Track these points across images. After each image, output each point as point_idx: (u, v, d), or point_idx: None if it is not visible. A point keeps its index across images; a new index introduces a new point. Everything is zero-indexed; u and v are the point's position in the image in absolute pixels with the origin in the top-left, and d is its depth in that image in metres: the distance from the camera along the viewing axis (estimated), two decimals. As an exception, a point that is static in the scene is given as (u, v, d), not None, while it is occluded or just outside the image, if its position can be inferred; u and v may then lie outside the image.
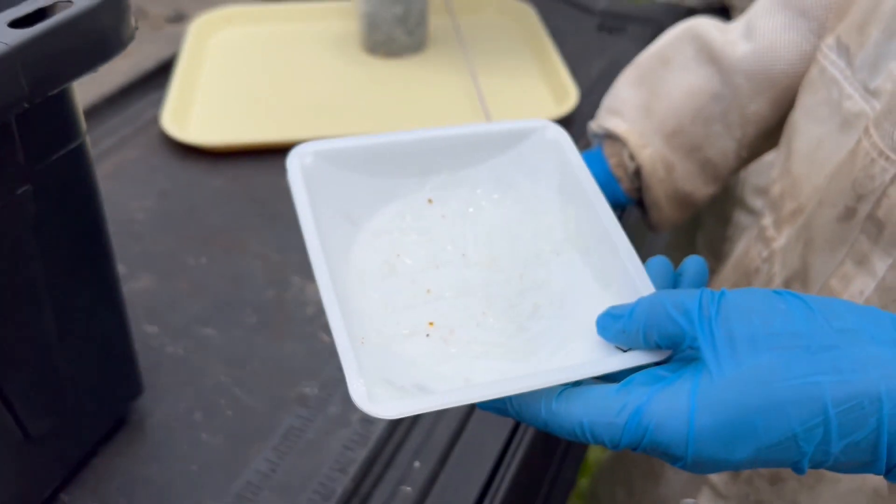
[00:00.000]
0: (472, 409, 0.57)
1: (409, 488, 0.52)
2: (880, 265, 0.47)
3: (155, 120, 0.86)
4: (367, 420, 0.56)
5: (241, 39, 1.02)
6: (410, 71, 0.96)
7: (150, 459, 0.54)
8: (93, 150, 0.81)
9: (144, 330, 0.63)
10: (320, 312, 0.65)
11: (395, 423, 0.56)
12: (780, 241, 0.60)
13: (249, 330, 0.63)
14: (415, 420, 0.57)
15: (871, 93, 0.51)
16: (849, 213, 0.48)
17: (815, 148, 0.56)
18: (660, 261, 0.39)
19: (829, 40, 0.56)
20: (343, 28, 1.03)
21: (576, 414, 0.34)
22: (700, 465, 0.33)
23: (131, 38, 0.39)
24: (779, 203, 0.61)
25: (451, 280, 0.41)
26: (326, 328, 0.63)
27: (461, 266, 0.41)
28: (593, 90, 0.92)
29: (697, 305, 0.33)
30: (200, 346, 0.62)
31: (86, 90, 0.88)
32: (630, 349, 0.36)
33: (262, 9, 1.05)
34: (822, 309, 0.33)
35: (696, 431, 0.32)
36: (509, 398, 0.35)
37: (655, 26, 1.05)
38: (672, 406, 0.32)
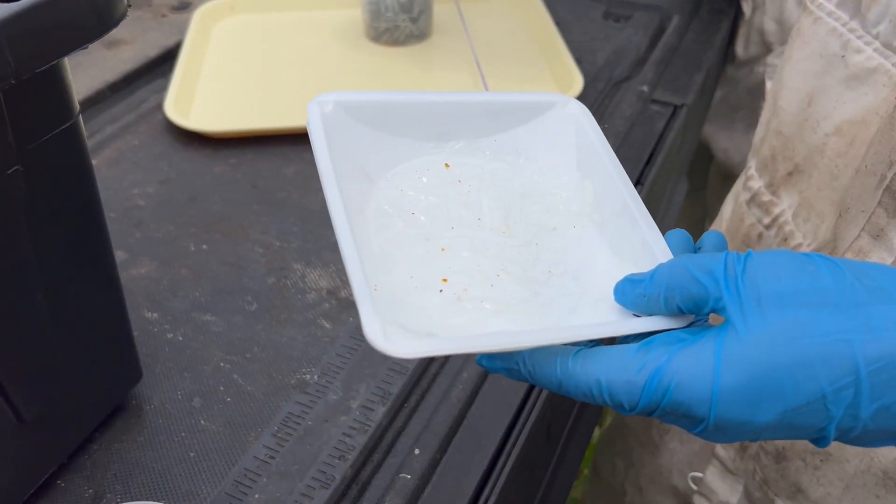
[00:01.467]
0: (472, 395, 0.57)
1: (408, 475, 0.52)
2: None
3: (158, 107, 0.85)
4: (367, 407, 0.55)
5: (244, 27, 1.01)
6: (414, 59, 0.96)
7: (148, 445, 0.53)
8: (96, 137, 0.81)
9: (144, 316, 0.62)
10: (321, 299, 0.64)
11: (395, 411, 0.55)
12: (781, 205, 0.58)
13: (249, 316, 0.63)
14: (415, 406, 0.56)
15: (894, 49, 0.48)
16: (881, 183, 0.47)
17: (805, 104, 0.54)
18: (679, 233, 0.39)
19: None
20: (347, 16, 1.03)
21: (593, 372, 0.33)
22: (722, 429, 0.32)
23: (124, 14, 0.39)
24: (771, 165, 0.59)
25: (465, 241, 0.40)
26: (326, 315, 0.63)
27: (476, 229, 0.41)
28: (599, 78, 0.91)
29: (723, 266, 0.32)
30: (200, 332, 0.61)
31: (90, 77, 0.88)
32: (648, 316, 0.35)
33: (266, -3, 1.05)
34: (852, 269, 0.31)
35: (721, 390, 0.31)
36: (523, 357, 0.34)
37: (662, 14, 1.04)
38: (695, 364, 0.31)
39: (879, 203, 0.46)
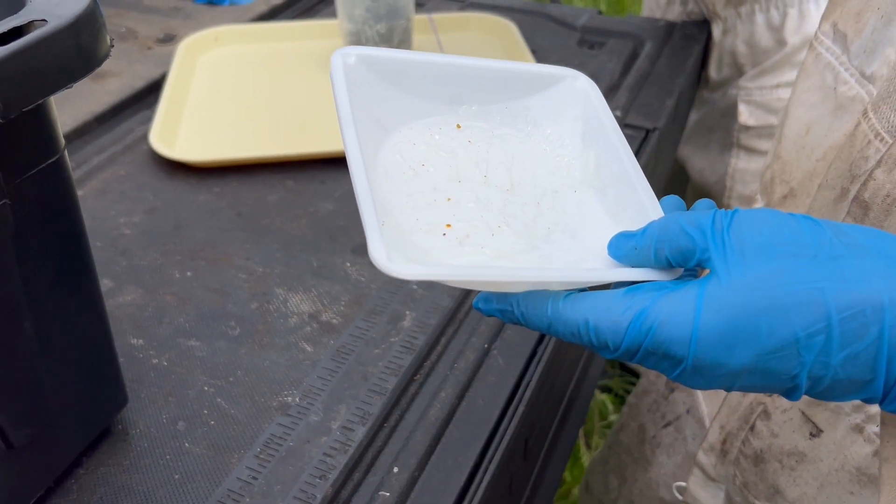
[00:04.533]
0: (450, 414, 0.58)
1: (387, 493, 0.53)
2: None
3: (144, 138, 0.87)
4: (347, 427, 0.57)
5: (228, 58, 1.03)
6: (395, 87, 0.98)
7: (134, 469, 0.55)
8: (82, 168, 0.83)
9: (130, 342, 0.64)
10: (302, 323, 0.66)
11: (375, 431, 0.57)
12: None
13: (233, 341, 0.64)
14: (394, 426, 0.57)
15: (868, 78, 0.52)
16: (843, 195, 0.50)
17: (804, 133, 0.57)
18: (673, 198, 0.42)
19: (825, 27, 0.57)
20: (328, 46, 1.05)
21: (581, 312, 0.35)
22: (699, 371, 0.34)
23: (107, 55, 0.41)
24: (770, 188, 0.62)
25: (470, 194, 0.43)
26: (308, 338, 0.64)
27: (482, 184, 0.43)
28: (574, 103, 0.94)
29: (711, 220, 0.35)
30: (185, 357, 0.63)
31: (77, 109, 0.90)
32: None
33: (248, 28, 1.07)
34: (832, 227, 0.34)
35: (701, 330, 0.33)
36: (517, 298, 0.37)
37: (635, 41, 1.07)
38: (678, 306, 0.34)
39: (848, 213, 0.49)
